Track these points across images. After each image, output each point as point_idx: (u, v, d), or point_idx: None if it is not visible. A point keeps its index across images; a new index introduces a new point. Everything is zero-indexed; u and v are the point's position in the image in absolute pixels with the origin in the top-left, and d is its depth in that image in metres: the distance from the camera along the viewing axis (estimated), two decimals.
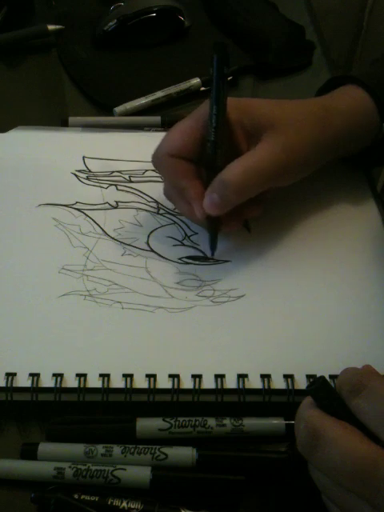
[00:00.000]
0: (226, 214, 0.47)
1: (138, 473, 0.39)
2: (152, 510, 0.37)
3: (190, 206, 0.48)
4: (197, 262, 0.50)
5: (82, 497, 0.37)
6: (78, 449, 0.40)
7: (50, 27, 0.69)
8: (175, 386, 0.42)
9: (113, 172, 0.56)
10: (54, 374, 0.42)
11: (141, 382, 0.42)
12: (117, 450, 0.40)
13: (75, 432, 0.41)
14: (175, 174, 0.48)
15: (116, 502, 0.37)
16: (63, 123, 0.60)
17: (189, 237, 0.51)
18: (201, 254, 0.50)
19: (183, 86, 0.64)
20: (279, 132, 0.46)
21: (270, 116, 0.47)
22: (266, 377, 0.43)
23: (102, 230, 0.52)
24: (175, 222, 0.52)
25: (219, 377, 0.43)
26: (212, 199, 0.46)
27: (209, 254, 0.50)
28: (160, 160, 0.48)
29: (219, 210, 0.46)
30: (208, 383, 0.43)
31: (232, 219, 0.48)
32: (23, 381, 0.42)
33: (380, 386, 0.33)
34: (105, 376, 0.42)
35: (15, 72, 0.67)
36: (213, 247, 0.49)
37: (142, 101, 0.62)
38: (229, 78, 0.64)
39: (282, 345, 0.45)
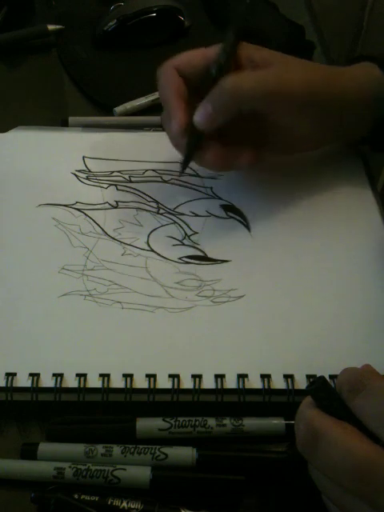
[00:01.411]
0: (220, 151, 0.48)
1: (138, 473, 0.39)
2: (152, 509, 0.37)
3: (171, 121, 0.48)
4: (197, 262, 0.50)
5: (82, 497, 0.37)
6: (78, 449, 0.40)
7: (50, 27, 0.69)
8: (175, 386, 0.42)
9: (113, 172, 0.56)
10: (54, 374, 0.42)
11: (141, 382, 0.42)
12: (117, 449, 0.40)
13: (75, 432, 0.41)
14: (168, 82, 0.49)
15: (116, 502, 0.37)
16: (63, 123, 0.60)
17: (189, 236, 0.51)
18: (201, 254, 0.50)
19: None
20: (285, 64, 0.49)
21: (281, 56, 0.49)
22: (266, 377, 0.43)
23: (102, 229, 0.52)
24: (175, 222, 0.52)
25: (219, 377, 0.43)
26: (205, 109, 0.46)
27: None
28: (163, 68, 0.49)
29: (210, 121, 0.47)
30: (208, 383, 0.43)
31: (223, 155, 0.49)
32: (23, 381, 0.42)
33: (380, 385, 0.33)
34: (105, 376, 0.42)
35: (15, 72, 0.67)
36: (184, 165, 0.49)
37: (142, 101, 0.62)
38: None
39: (282, 345, 0.45)
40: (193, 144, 0.48)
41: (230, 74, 0.47)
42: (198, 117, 0.47)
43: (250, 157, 0.50)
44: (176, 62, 0.49)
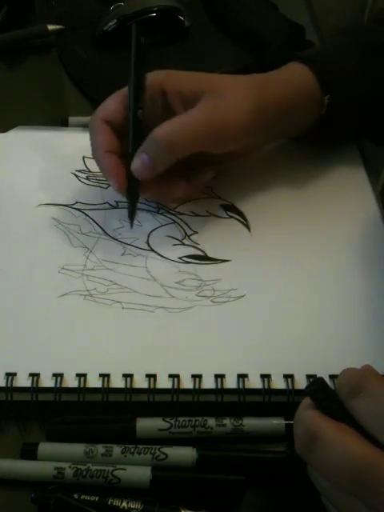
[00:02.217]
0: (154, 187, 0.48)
1: (138, 473, 0.39)
2: (152, 509, 0.37)
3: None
4: (197, 262, 0.50)
5: (82, 497, 0.37)
6: (78, 449, 0.40)
7: (50, 27, 0.69)
8: (175, 386, 0.42)
9: None
10: (54, 374, 0.42)
11: (141, 382, 0.42)
12: (117, 450, 0.40)
13: (75, 432, 0.41)
14: (97, 139, 0.49)
15: (116, 502, 0.37)
16: (63, 123, 0.60)
17: (189, 236, 0.51)
18: (201, 254, 0.50)
19: None
20: (216, 96, 0.47)
21: (208, 82, 0.48)
22: (266, 377, 0.43)
23: (102, 229, 0.52)
24: (175, 222, 0.52)
25: (219, 377, 0.43)
26: (142, 160, 0.46)
27: (131, 226, 0.50)
28: (93, 123, 0.49)
29: (149, 171, 0.46)
30: (208, 383, 0.43)
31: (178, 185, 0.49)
32: (23, 381, 0.42)
33: (379, 387, 0.32)
34: (105, 376, 0.42)
35: (15, 72, 0.67)
36: (131, 216, 0.49)
37: None
38: None
39: (282, 345, 0.45)
40: (134, 195, 0.49)
41: (161, 125, 0.46)
42: (136, 167, 0.47)
43: (184, 189, 0.50)
44: (103, 113, 0.49)
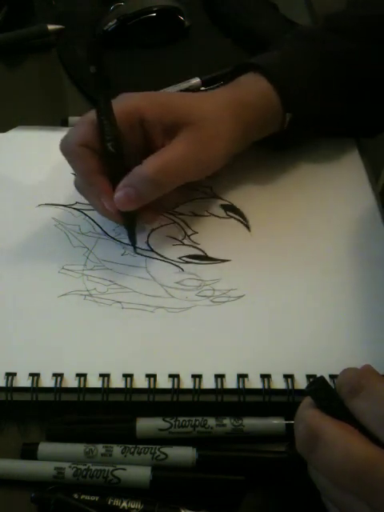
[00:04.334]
0: (143, 206, 0.47)
1: (138, 473, 0.39)
2: (152, 509, 0.37)
3: (100, 201, 0.48)
4: (197, 262, 0.50)
5: (82, 497, 0.37)
6: (78, 449, 0.40)
7: (50, 27, 0.69)
8: (175, 386, 0.42)
9: None
10: (54, 374, 0.42)
11: (141, 382, 0.42)
12: (117, 449, 0.40)
13: (75, 432, 0.41)
14: (85, 165, 0.47)
15: (116, 502, 0.37)
16: (63, 123, 0.60)
17: (189, 236, 0.51)
18: (201, 254, 0.50)
19: (183, 85, 0.64)
20: (196, 128, 0.47)
21: (189, 113, 0.48)
22: (265, 377, 0.43)
23: (102, 229, 0.52)
24: (175, 222, 0.52)
25: (219, 377, 0.43)
26: (127, 194, 0.46)
27: (132, 250, 0.50)
28: (70, 149, 0.48)
29: (134, 204, 0.46)
30: (208, 383, 0.43)
31: (149, 211, 0.49)
32: (23, 381, 0.42)
33: (379, 386, 0.33)
34: (105, 376, 0.42)
35: (15, 72, 0.67)
36: (133, 241, 0.49)
37: None
38: None
39: (282, 345, 0.45)
40: (129, 219, 0.48)
41: (146, 162, 0.46)
42: (121, 201, 0.46)
43: (149, 218, 0.50)
44: (81, 139, 0.47)
